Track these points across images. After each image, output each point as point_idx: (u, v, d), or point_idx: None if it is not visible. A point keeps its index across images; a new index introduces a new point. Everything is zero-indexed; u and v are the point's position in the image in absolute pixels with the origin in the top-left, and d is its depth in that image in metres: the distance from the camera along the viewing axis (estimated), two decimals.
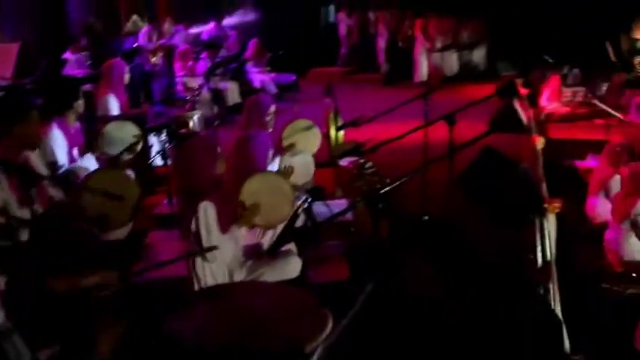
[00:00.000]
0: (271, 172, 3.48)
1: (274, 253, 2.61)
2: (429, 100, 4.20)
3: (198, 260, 2.95)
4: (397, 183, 2.33)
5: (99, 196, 2.74)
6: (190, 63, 8.34)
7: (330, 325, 1.88)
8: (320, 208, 4.01)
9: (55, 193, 3.22)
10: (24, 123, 2.97)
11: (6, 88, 6.03)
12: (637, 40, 14.22)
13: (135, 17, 11.87)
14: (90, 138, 4.51)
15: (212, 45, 9.33)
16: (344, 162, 4.16)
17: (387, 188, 2.30)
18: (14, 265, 1.56)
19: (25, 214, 2.56)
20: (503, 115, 6.67)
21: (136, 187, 2.95)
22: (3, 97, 4.56)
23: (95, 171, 3.52)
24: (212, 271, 2.97)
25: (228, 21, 11.86)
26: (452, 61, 12.01)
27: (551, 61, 11.72)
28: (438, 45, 11.66)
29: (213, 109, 7.53)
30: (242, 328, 1.81)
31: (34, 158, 3.26)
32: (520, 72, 12.52)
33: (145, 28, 10.16)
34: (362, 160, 3.87)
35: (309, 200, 4.32)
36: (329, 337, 1.67)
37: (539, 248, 3.78)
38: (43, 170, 3.31)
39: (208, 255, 2.86)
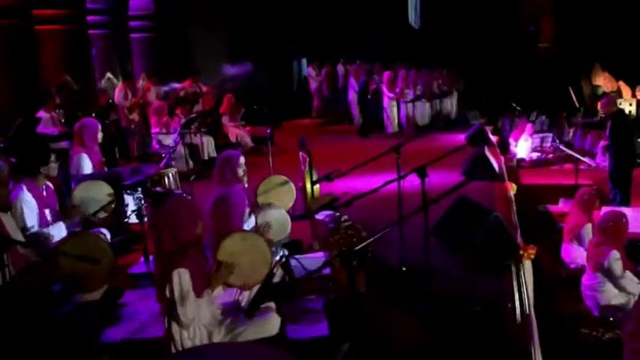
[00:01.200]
0: (248, 231, 3.48)
1: (251, 315, 2.57)
2: (400, 153, 4.28)
3: (174, 324, 2.90)
4: (371, 239, 2.35)
5: (74, 260, 2.69)
6: (165, 119, 8.39)
7: None
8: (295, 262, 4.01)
9: (28, 254, 3.16)
10: None
11: None
12: (597, 86, 14.88)
13: (109, 74, 11.98)
14: (62, 201, 4.46)
15: (186, 100, 9.42)
16: (320, 216, 4.18)
17: (362, 245, 2.31)
18: None
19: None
20: (475, 164, 6.82)
21: (109, 251, 2.92)
22: None
23: (70, 235, 3.48)
24: (189, 334, 2.92)
25: (230, 70, 12.15)
26: (423, 111, 12.33)
27: (518, 108, 12.15)
28: (409, 96, 11.96)
29: (188, 164, 7.52)
30: None
31: (7, 220, 3.20)
32: (489, 120, 12.93)
33: (119, 86, 10.23)
34: (338, 214, 3.90)
35: (287, 254, 4.33)
36: None
37: (516, 296, 3.81)
38: (16, 232, 3.25)
39: (184, 321, 2.81)
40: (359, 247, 2.34)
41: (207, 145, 8.62)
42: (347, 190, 4.40)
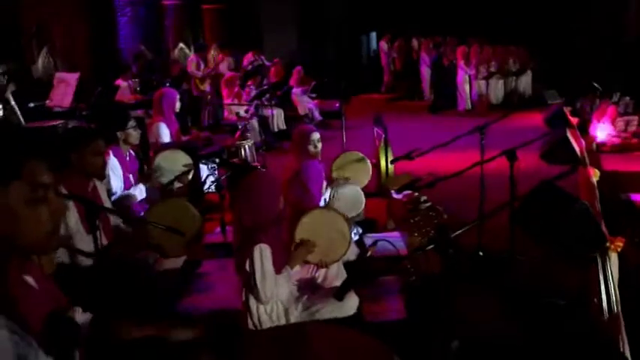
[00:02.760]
0: (328, 208, 3.42)
1: (341, 297, 2.52)
2: (485, 133, 4.09)
3: (252, 298, 2.90)
4: (467, 228, 2.23)
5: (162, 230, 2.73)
6: (237, 90, 8.44)
7: None
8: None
9: (115, 220, 3.24)
10: (88, 153, 3.01)
11: (65, 115, 6.19)
12: None
13: (181, 45, 12.19)
14: (141, 166, 4.57)
15: (257, 72, 9.44)
16: (397, 195, 4.07)
17: (458, 233, 2.20)
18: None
19: (89, 243, 2.56)
20: (556, 147, 6.48)
21: (197, 221, 2.94)
22: (73, 127, 4.64)
23: (158, 202, 3.53)
24: (266, 310, 2.91)
25: None
26: (497, 89, 11.86)
27: (600, 89, 11.45)
28: (483, 72, 11.52)
29: (261, 136, 7.57)
30: None
31: (102, 188, 3.29)
32: (567, 100, 12.28)
33: (192, 56, 10.38)
34: (417, 194, 3.78)
35: (360, 232, 4.27)
36: None
37: (603, 291, 3.60)
38: (108, 201, 3.34)
39: (262, 297, 2.80)
40: (456, 233, 2.22)
41: (277, 118, 8.64)
42: (423, 168, 4.24)
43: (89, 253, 2.56)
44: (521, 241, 3.91)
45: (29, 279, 1.37)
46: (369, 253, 2.87)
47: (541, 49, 14.26)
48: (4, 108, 4.84)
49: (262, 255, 2.79)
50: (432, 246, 2.18)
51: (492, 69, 11.69)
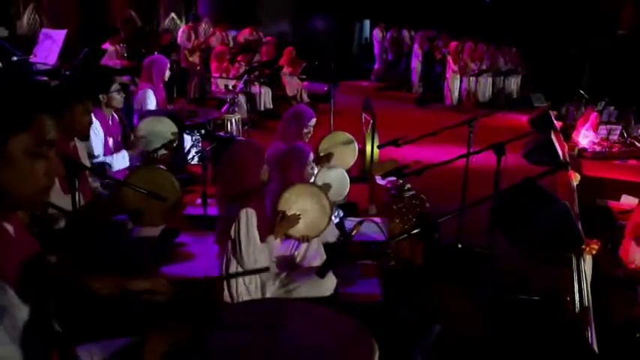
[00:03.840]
0: (312, 184, 3.40)
1: (323, 275, 2.51)
2: (473, 126, 4.09)
3: (232, 267, 2.88)
4: (450, 215, 2.22)
5: (139, 193, 2.67)
6: (225, 64, 8.33)
7: (376, 356, 1.78)
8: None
9: (93, 183, 3.17)
10: (79, 111, 2.95)
11: (48, 73, 6.04)
12: None
13: (173, 15, 11.98)
14: (125, 132, 4.48)
15: (248, 48, 9.32)
16: (381, 181, 4.06)
17: (444, 219, 2.20)
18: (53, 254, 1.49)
19: (66, 202, 2.50)
20: (539, 148, 6.52)
21: (177, 190, 2.89)
22: (61, 84, 4.53)
23: (139, 167, 3.47)
24: (244, 280, 2.89)
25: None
26: (486, 87, 11.92)
27: (586, 96, 11.59)
28: (473, 69, 11.56)
29: (245, 113, 7.49)
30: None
31: (82, 148, 3.22)
32: (553, 104, 12.40)
33: (183, 27, 10.20)
34: (401, 181, 3.77)
35: (341, 216, 4.26)
36: None
37: (576, 289, 3.66)
38: (86, 161, 3.27)
39: (245, 261, 2.78)
40: (442, 219, 2.21)
41: (265, 96, 8.56)
42: (414, 160, 4.24)
43: (66, 211, 2.50)
44: (500, 236, 3.95)
45: (8, 227, 1.33)
46: (354, 232, 2.85)
47: (532, 51, 14.36)
48: None
49: (248, 219, 2.78)
50: (417, 230, 2.17)
51: (484, 67, 11.74)
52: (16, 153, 1.21)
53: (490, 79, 12.04)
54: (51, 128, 1.25)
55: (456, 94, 11.37)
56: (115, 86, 4.07)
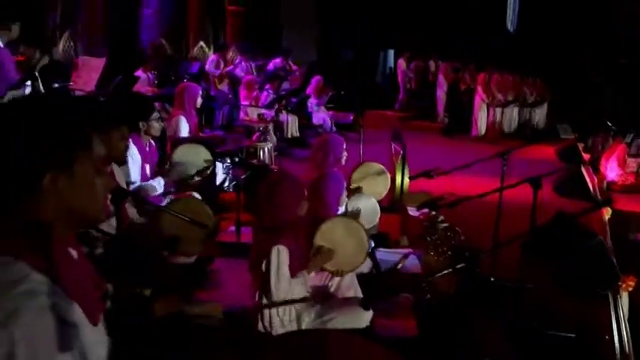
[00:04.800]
0: (348, 217, 3.40)
1: (367, 307, 2.48)
2: (507, 159, 4.07)
3: (265, 299, 2.87)
4: (493, 250, 2.19)
5: (178, 221, 2.70)
6: (255, 93, 8.45)
7: None
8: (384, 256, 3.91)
9: (131, 210, 3.21)
10: (116, 137, 2.99)
11: (83, 99, 6.18)
12: None
13: (202, 43, 12.24)
14: (160, 159, 4.55)
15: (276, 77, 9.46)
16: (414, 212, 4.05)
17: (483, 254, 2.17)
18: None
19: (107, 226, 2.54)
20: (569, 180, 6.44)
21: (213, 219, 2.92)
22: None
23: (178, 198, 3.51)
24: (278, 312, 2.88)
25: None
26: (511, 118, 11.87)
27: (613, 128, 11.46)
28: (500, 99, 11.55)
29: (274, 141, 7.56)
30: None
31: (119, 173, 3.27)
32: (580, 136, 12.28)
33: (212, 56, 10.41)
34: (434, 213, 3.76)
35: (372, 246, 4.24)
36: None
37: (615, 329, 3.57)
38: (124, 185, 3.32)
39: (275, 298, 2.77)
40: (481, 254, 2.19)
41: (292, 124, 8.64)
42: (445, 191, 4.22)
43: (109, 234, 2.53)
44: (534, 271, 3.89)
45: (73, 252, 1.35)
46: (399, 265, 2.83)
47: (557, 81, 14.30)
48: (32, 85, 4.84)
49: (279, 256, 2.77)
50: (462, 265, 2.15)
51: (510, 97, 11.71)
52: (81, 171, 1.24)
53: (516, 110, 11.99)
54: (100, 144, 1.29)
55: (483, 124, 11.35)
56: (155, 114, 4.15)
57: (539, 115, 12.73)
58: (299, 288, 2.92)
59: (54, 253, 1.22)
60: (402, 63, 13.92)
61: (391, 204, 5.05)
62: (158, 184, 4.00)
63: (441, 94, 12.23)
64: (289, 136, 8.54)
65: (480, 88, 11.18)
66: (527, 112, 12.23)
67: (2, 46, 5.19)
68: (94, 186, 1.27)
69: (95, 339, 1.34)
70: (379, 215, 4.18)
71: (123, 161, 3.22)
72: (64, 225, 1.26)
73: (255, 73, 10.27)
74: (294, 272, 2.86)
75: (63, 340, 1.17)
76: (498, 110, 11.47)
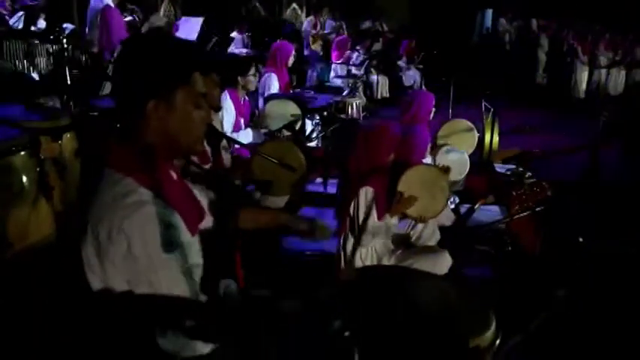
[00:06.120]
0: (431, 165, 3.44)
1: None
2: (606, 117, 3.90)
3: (349, 242, 3.01)
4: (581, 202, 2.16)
5: (269, 164, 2.86)
6: (347, 53, 8.49)
7: (493, 325, 1.81)
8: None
9: (226, 156, 3.42)
10: (212, 83, 3.17)
11: (190, 42, 6.49)
12: None
13: (294, 5, 12.37)
14: (251, 112, 4.75)
15: (369, 37, 9.42)
16: (501, 168, 3.99)
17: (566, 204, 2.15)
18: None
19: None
20: None
21: (303, 163, 3.06)
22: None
23: (269, 140, 3.69)
24: (361, 255, 3.01)
25: None
26: (617, 80, 11.08)
27: None
28: (604, 61, 10.81)
29: (363, 100, 7.62)
30: (404, 317, 1.79)
31: (215, 119, 3.47)
32: None
33: (309, 17, 10.52)
34: (521, 169, 3.69)
35: (457, 202, 4.24)
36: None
37: None
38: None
39: (362, 238, 2.90)
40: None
41: (382, 85, 8.63)
42: (537, 148, 4.09)
43: (204, 168, 2.72)
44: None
45: (173, 173, 1.54)
46: (477, 206, 2.86)
47: None
48: None
49: (367, 197, 2.90)
50: (540, 207, 2.14)
51: (617, 58, 10.92)
52: (181, 103, 1.42)
53: (623, 72, 11.16)
54: (201, 82, 1.45)
55: (584, 86, 10.71)
56: (252, 70, 4.34)
57: None
58: (383, 232, 3.02)
59: (157, 172, 1.43)
60: (502, 23, 13.33)
61: (480, 162, 4.98)
62: (246, 135, 4.21)
63: (541, 54, 11.62)
64: (379, 96, 8.54)
65: (579, 49, 10.51)
66: (637, 74, 11.32)
67: (113, 6, 5.57)
68: (190, 116, 1.44)
69: (194, 247, 1.54)
70: (468, 165, 4.15)
71: (218, 107, 3.40)
72: (165, 150, 1.45)
73: (345, 32, 10.28)
74: (379, 215, 2.97)
75: (167, 241, 1.37)
76: (603, 71, 10.75)
